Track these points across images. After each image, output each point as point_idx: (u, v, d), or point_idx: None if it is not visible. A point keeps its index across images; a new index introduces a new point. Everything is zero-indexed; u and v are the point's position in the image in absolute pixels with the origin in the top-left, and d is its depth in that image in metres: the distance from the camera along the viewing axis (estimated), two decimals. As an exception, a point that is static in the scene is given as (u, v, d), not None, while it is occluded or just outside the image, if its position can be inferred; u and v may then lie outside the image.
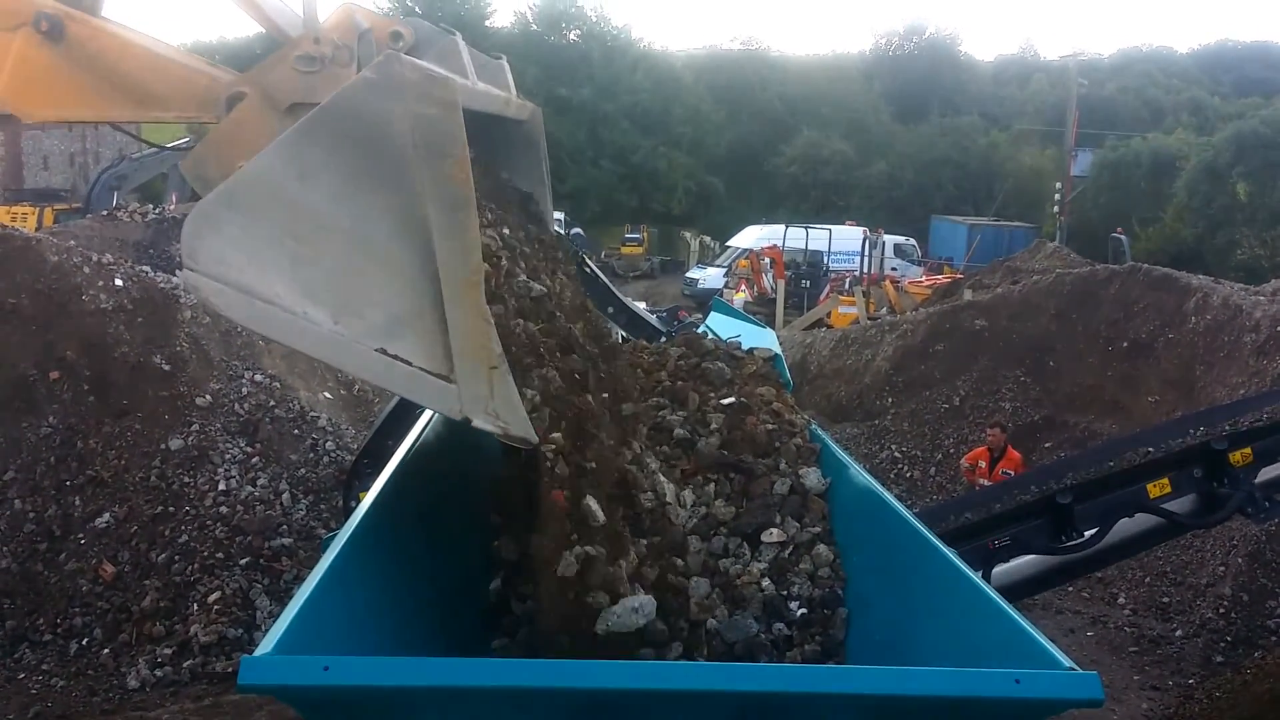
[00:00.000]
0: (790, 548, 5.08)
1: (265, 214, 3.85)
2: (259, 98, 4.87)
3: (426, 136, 3.87)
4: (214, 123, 4.94)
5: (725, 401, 5.97)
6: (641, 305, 10.99)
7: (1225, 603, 11.84)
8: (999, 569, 6.86)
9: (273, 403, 12.92)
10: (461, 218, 3.88)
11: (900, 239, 46.87)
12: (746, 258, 41.63)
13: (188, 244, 3.81)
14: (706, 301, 19.48)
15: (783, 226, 44.27)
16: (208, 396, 12.43)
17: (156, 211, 23.96)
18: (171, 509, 11.39)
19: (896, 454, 17.60)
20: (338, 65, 4.85)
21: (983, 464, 12.78)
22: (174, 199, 33.39)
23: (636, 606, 4.06)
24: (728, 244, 49.18)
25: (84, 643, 10.60)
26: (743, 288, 38.53)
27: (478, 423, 3.94)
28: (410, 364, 3.88)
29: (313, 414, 13.23)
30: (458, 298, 3.87)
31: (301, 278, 3.85)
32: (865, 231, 41.92)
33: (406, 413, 8.94)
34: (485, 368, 3.91)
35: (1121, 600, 13.00)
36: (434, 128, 3.88)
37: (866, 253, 38.69)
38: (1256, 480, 7.40)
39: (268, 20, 4.94)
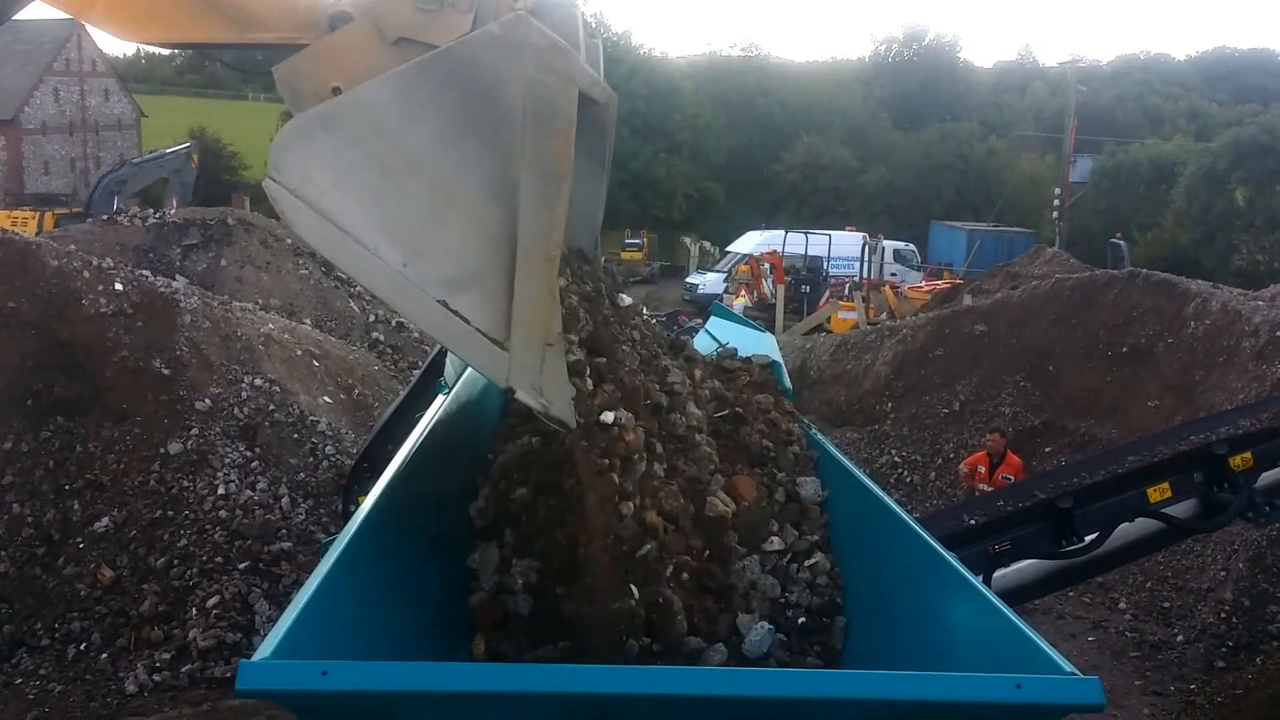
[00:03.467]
0: (789, 555, 5.06)
1: (362, 142, 3.84)
2: (369, 24, 4.74)
3: (538, 104, 3.87)
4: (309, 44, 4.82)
5: (718, 415, 5.93)
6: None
7: (1226, 608, 11.82)
8: (1000, 573, 6.86)
9: (272, 407, 12.91)
10: (554, 190, 3.88)
11: (900, 245, 46.87)
12: (746, 263, 41.64)
13: (276, 155, 3.78)
14: (706, 307, 19.52)
15: (782, 232, 44.29)
16: (207, 401, 12.41)
17: (157, 216, 23.90)
18: (170, 513, 11.37)
19: (896, 459, 17.58)
20: (456, 10, 4.71)
21: (982, 469, 12.75)
22: (174, 203, 33.42)
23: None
24: (728, 249, 49.19)
25: (82, 647, 10.58)
26: (742, 293, 38.52)
27: (521, 395, 3.92)
28: (468, 322, 3.87)
29: (312, 418, 13.22)
30: (531, 268, 3.87)
31: (382, 213, 3.83)
32: (865, 237, 41.94)
33: (405, 417, 8.94)
34: (541, 343, 3.90)
35: (1122, 605, 12.98)
36: (547, 97, 3.89)
37: (866, 258, 38.69)
38: (1257, 485, 7.40)
39: None
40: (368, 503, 4.48)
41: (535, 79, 3.88)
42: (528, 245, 3.86)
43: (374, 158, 3.86)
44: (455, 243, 3.89)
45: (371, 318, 21.26)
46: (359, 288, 22.38)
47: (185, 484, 11.61)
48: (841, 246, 42.47)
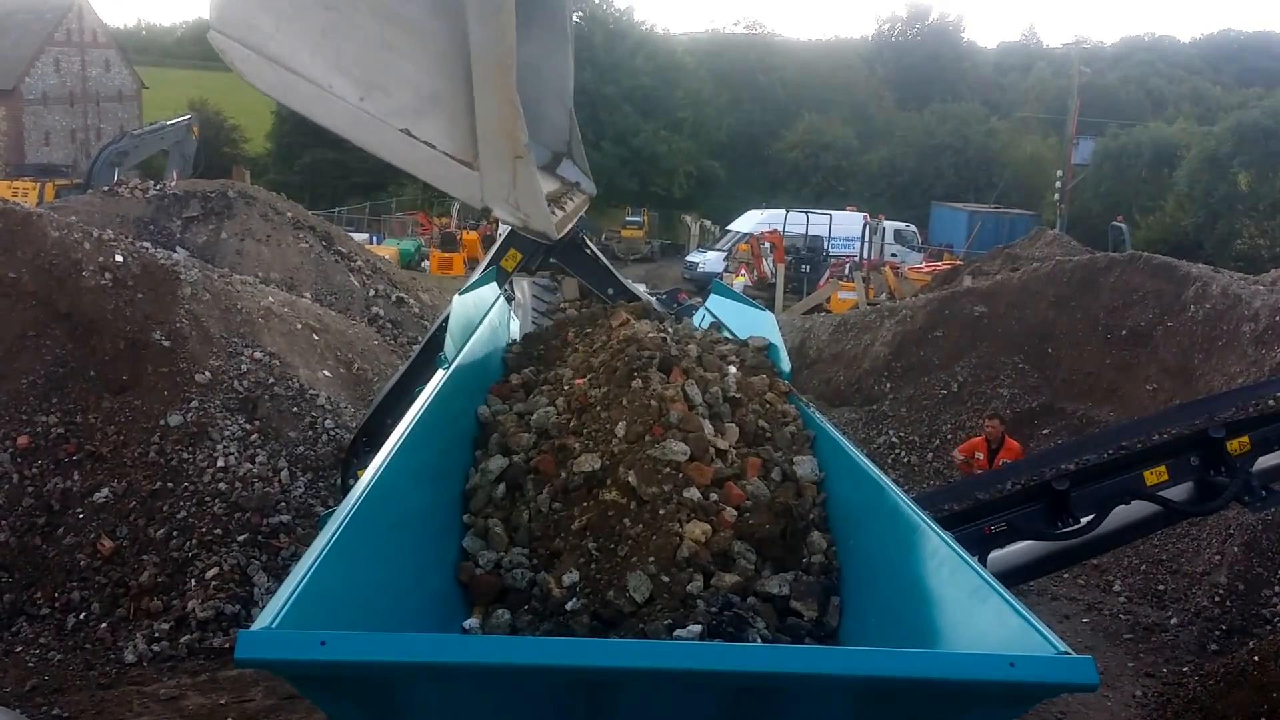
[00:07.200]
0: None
1: None
2: None
3: None
4: None
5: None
6: (641, 288, 10.94)
7: (1220, 591, 11.87)
8: (995, 554, 6.87)
9: (272, 380, 12.92)
10: None
11: (900, 225, 46.88)
12: (746, 242, 41.61)
13: (216, 6, 3.70)
14: (706, 285, 19.50)
15: (783, 211, 44.28)
16: (207, 373, 12.42)
17: (157, 188, 23.84)
18: (170, 485, 11.39)
19: (894, 439, 17.61)
20: None
21: (980, 455, 12.67)
22: (175, 175, 33.32)
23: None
24: (728, 228, 49.14)
25: (82, 617, 10.62)
26: (742, 272, 38.50)
27: (498, 212, 3.89)
28: (434, 147, 3.79)
29: (312, 392, 13.23)
30: (488, 80, 3.78)
31: (331, 49, 3.75)
32: (865, 217, 41.91)
33: (405, 392, 8.93)
34: (510, 156, 3.84)
35: (1117, 587, 13.03)
36: None
37: (867, 238, 38.67)
38: (1253, 468, 7.42)
39: None
40: (366, 476, 4.48)
41: None
42: (480, 56, 3.74)
43: None
44: (409, 68, 3.80)
45: (371, 292, 21.25)
46: (359, 262, 22.47)
47: (185, 456, 11.63)
48: (842, 226, 42.48)
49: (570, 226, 4.65)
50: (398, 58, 3.78)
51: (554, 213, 4.32)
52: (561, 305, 11.97)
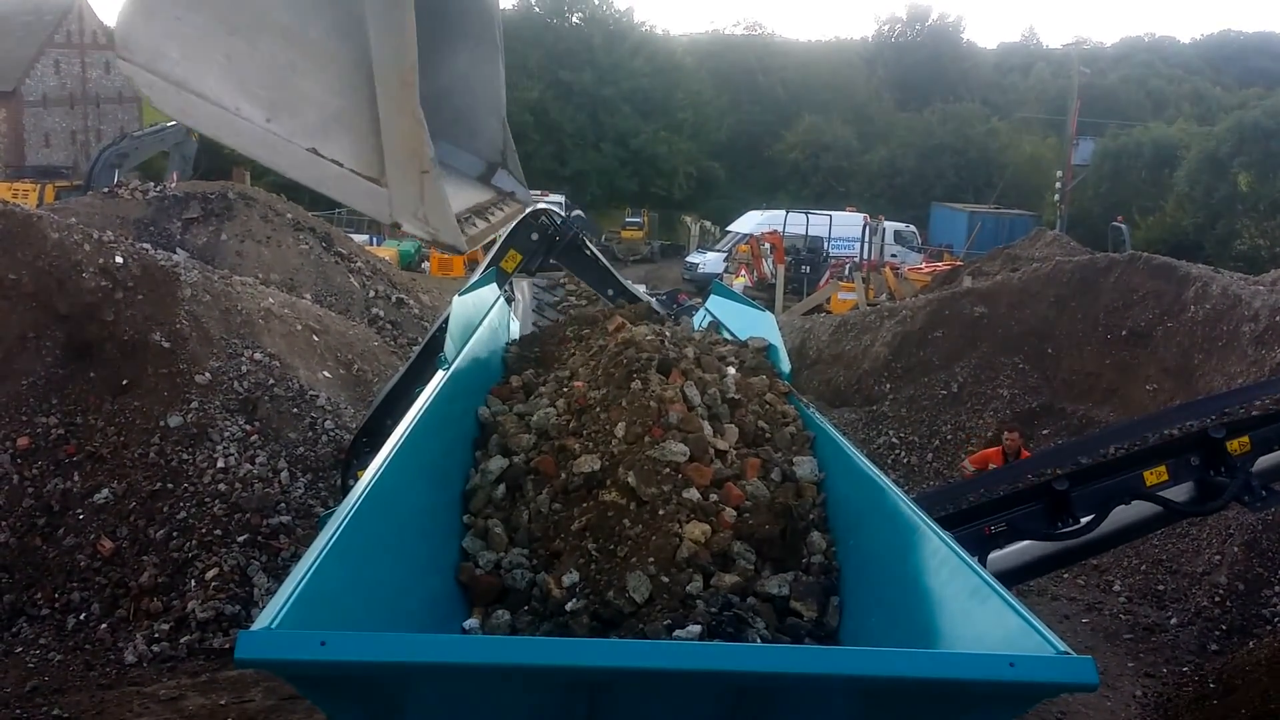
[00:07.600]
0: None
1: (204, 4, 3.80)
2: None
3: None
4: None
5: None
6: (641, 289, 10.98)
7: (1221, 591, 11.87)
8: (995, 554, 6.87)
9: (272, 381, 12.92)
10: (400, 14, 3.79)
11: (900, 226, 46.83)
12: (747, 243, 41.57)
13: (121, 32, 3.72)
14: (706, 286, 19.53)
15: (783, 212, 44.24)
16: (207, 374, 12.42)
17: (157, 189, 23.87)
18: (170, 486, 11.39)
19: (894, 440, 17.60)
20: None
21: (993, 468, 12.46)
22: (175, 177, 33.33)
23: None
24: (728, 229, 49.11)
25: (82, 618, 10.61)
26: (742, 273, 38.49)
27: (407, 227, 3.92)
28: (341, 165, 3.84)
29: (312, 393, 13.23)
30: (391, 97, 3.82)
31: (236, 73, 3.80)
32: (865, 218, 41.91)
33: (405, 393, 8.95)
34: (417, 172, 3.87)
35: (1117, 587, 13.02)
36: None
37: (867, 239, 38.66)
38: (1254, 469, 7.41)
39: None
40: (366, 477, 4.48)
41: None
42: (384, 74, 3.79)
43: (218, 17, 3.80)
44: (314, 89, 3.84)
45: (371, 293, 21.26)
46: (359, 263, 22.48)
47: (185, 457, 11.63)
48: (842, 227, 42.46)
49: (493, 236, 4.68)
50: (302, 78, 3.82)
51: (475, 224, 4.33)
52: (561, 281, 12.07)
